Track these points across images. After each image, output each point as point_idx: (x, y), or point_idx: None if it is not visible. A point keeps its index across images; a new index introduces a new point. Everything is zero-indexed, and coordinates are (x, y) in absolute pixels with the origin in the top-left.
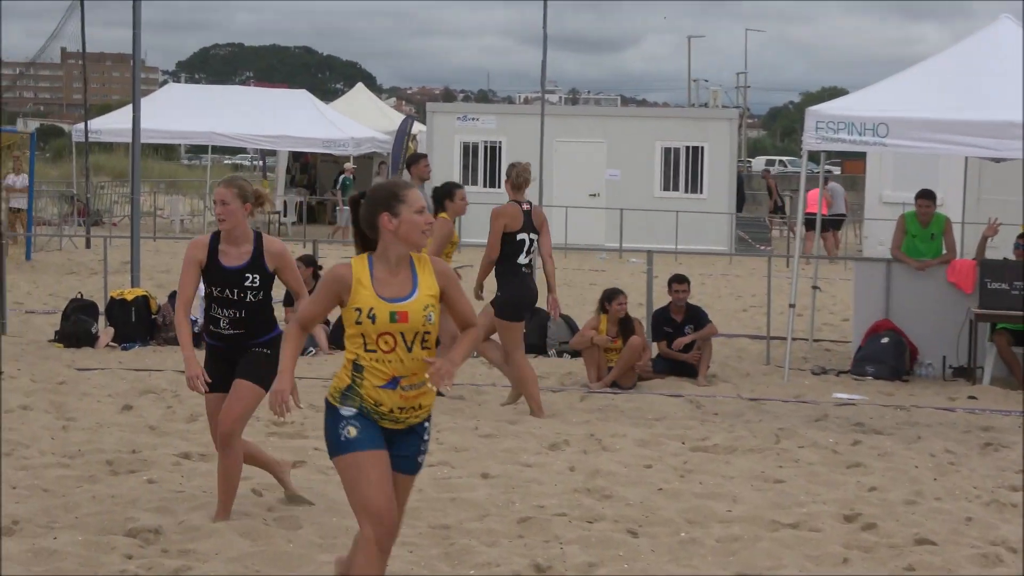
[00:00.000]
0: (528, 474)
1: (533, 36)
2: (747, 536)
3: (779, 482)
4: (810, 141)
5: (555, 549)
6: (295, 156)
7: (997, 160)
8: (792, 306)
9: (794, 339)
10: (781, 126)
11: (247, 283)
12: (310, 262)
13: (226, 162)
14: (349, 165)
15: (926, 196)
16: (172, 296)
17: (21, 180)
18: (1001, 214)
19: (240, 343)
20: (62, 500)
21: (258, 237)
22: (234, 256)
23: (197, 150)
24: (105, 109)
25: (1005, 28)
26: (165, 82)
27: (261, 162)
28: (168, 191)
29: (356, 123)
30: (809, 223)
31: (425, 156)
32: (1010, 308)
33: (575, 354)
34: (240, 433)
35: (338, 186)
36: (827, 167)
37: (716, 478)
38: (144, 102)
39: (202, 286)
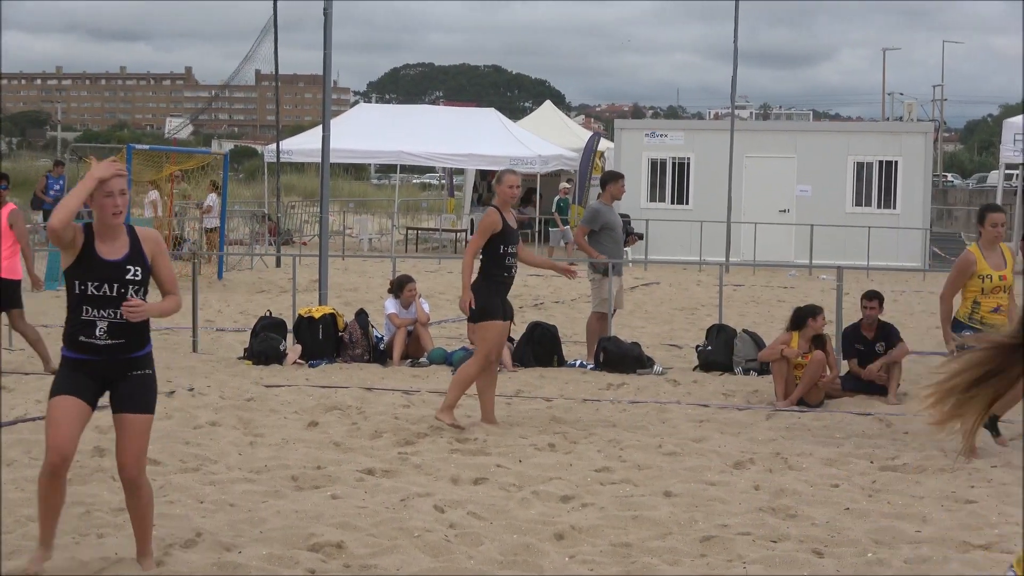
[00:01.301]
0: (711, 492)
1: (724, 52)
2: (936, 557)
3: (970, 502)
4: (1007, 154)
5: (738, 568)
6: (482, 174)
7: None
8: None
9: None
10: (978, 140)
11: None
12: None
13: (414, 181)
14: (565, 185)
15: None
16: (359, 314)
17: (210, 199)
18: None
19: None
20: (247, 515)
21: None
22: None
23: (386, 169)
24: (297, 130)
25: None
26: (356, 103)
27: (448, 181)
28: (357, 210)
29: (543, 140)
30: None
31: (622, 176)
32: None
33: (762, 371)
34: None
35: (553, 208)
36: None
37: (905, 498)
38: (334, 123)
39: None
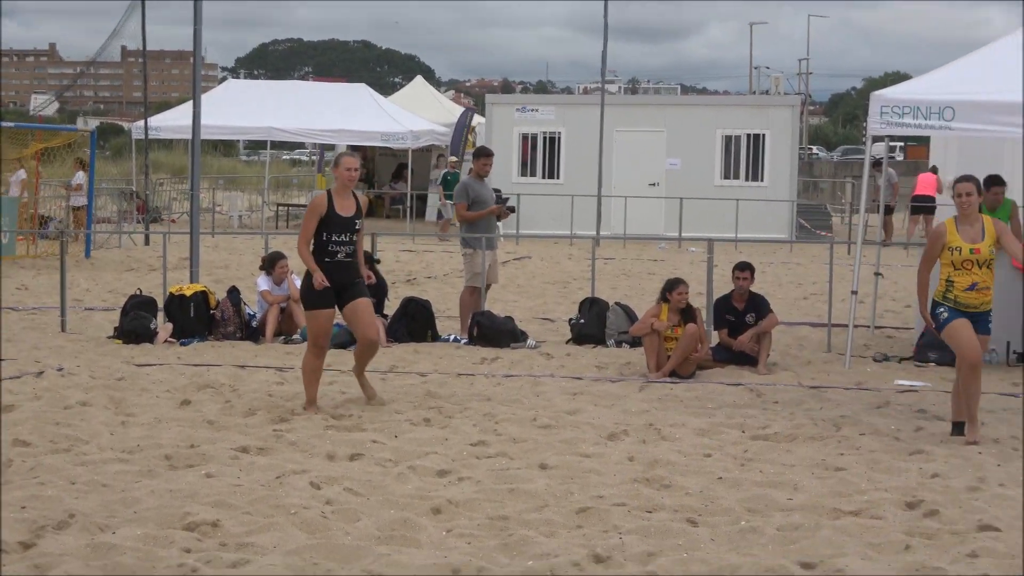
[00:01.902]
0: (586, 464)
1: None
2: (808, 524)
3: (840, 470)
4: (875, 126)
5: (614, 539)
6: (353, 150)
7: None
8: (854, 293)
9: (855, 326)
10: (843, 113)
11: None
12: (368, 259)
13: (284, 157)
14: (453, 159)
15: (997, 183)
16: (231, 291)
17: (77, 177)
18: None
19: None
20: (121, 495)
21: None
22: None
23: (256, 146)
24: (164, 106)
25: None
26: (224, 79)
27: (319, 157)
28: (227, 187)
29: (415, 116)
30: (915, 209)
31: (485, 155)
32: None
33: (634, 343)
34: None
35: (439, 181)
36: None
37: (776, 466)
38: (203, 99)
39: None
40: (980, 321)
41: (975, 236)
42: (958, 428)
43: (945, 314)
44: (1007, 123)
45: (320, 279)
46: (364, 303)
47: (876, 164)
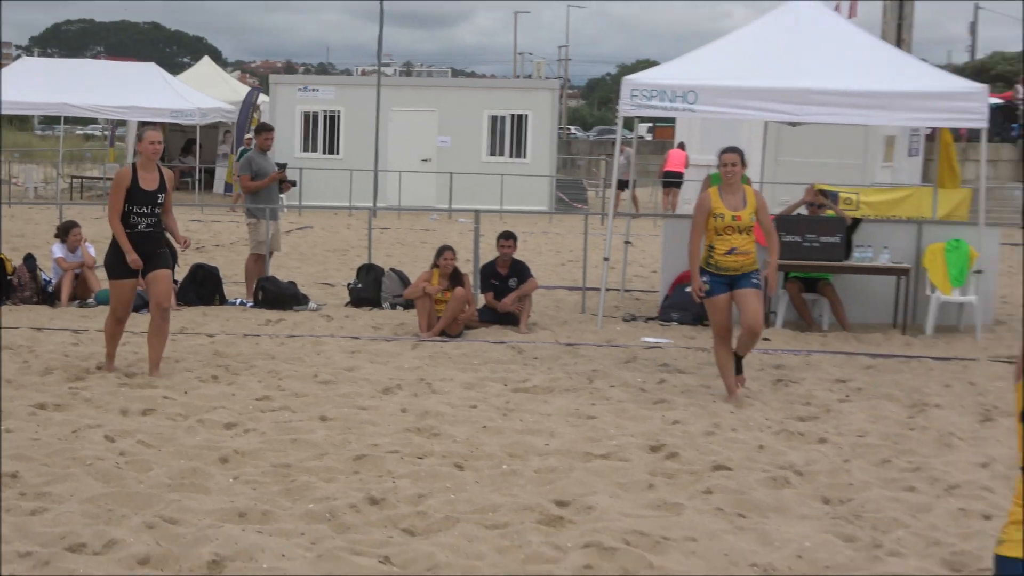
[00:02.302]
0: (363, 416)
1: (370, 13)
2: (562, 467)
3: (592, 418)
4: (625, 108)
5: (388, 483)
6: (143, 126)
7: (794, 124)
8: (606, 259)
9: (607, 289)
10: (599, 96)
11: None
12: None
13: (78, 132)
14: (248, 136)
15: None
16: (27, 258)
17: None
18: (796, 175)
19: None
20: None
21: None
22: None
23: (50, 121)
24: None
25: (802, 5)
26: (19, 56)
27: (111, 131)
28: (22, 160)
29: (202, 94)
30: (665, 183)
31: (267, 129)
32: (800, 259)
33: (408, 305)
34: None
35: (238, 158)
36: (640, 134)
37: (535, 416)
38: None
39: None
40: (743, 280)
41: (737, 204)
42: (737, 362)
43: (708, 286)
44: (745, 106)
45: (133, 259)
46: (163, 274)
47: (628, 142)
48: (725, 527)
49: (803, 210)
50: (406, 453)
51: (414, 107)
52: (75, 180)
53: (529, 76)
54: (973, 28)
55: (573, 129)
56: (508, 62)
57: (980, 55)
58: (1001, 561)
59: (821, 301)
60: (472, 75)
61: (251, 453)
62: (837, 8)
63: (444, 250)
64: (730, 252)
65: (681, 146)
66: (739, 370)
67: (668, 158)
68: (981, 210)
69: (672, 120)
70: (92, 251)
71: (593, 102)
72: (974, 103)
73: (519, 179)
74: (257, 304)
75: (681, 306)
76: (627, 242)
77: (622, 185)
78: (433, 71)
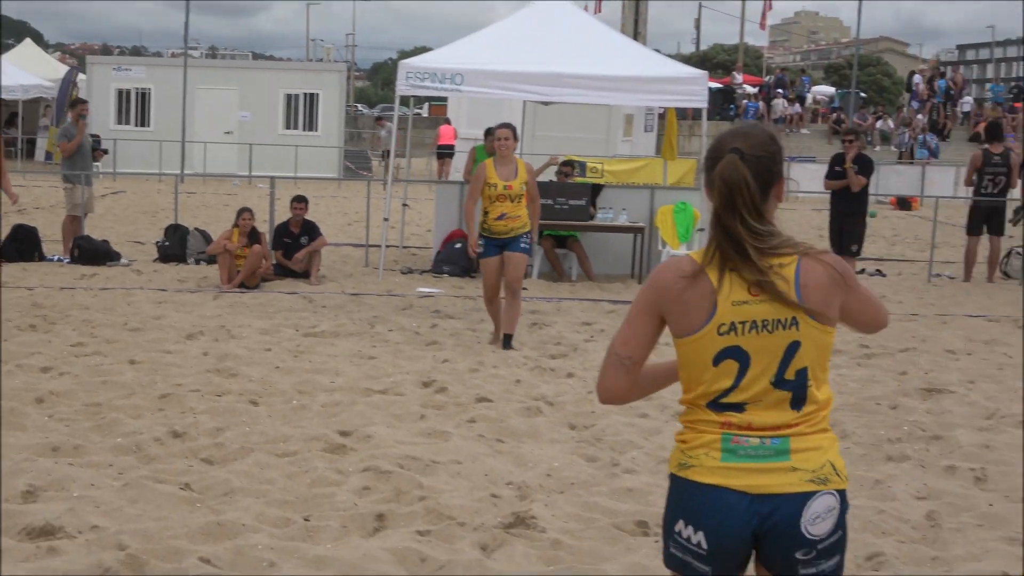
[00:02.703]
0: (168, 359)
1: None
2: (346, 401)
3: (372, 358)
4: (402, 88)
5: (189, 418)
6: None
7: (547, 103)
8: (386, 220)
9: (387, 246)
10: (382, 78)
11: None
12: None
13: None
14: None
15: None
16: None
17: None
18: (551, 148)
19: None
20: None
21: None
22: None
23: None
24: None
25: (555, 3)
26: None
27: None
28: None
29: (25, 72)
30: (439, 155)
31: (85, 102)
32: (552, 219)
33: (211, 261)
34: None
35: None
36: (417, 111)
37: (322, 357)
38: None
39: None
40: (513, 244)
41: (509, 175)
42: (507, 339)
43: (481, 248)
44: (505, 87)
45: None
46: None
47: (388, 118)
48: (486, 451)
49: (554, 177)
50: (206, 391)
51: (218, 86)
52: None
53: (320, 60)
54: (698, 24)
55: (359, 106)
56: (302, 47)
57: (704, 47)
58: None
59: (570, 255)
60: (270, 58)
61: (65, 394)
62: (585, 7)
63: (243, 211)
64: (501, 217)
65: (447, 122)
66: (508, 345)
67: (440, 133)
68: (703, 178)
69: (444, 99)
70: None
71: (377, 83)
72: (696, 87)
73: (311, 150)
74: (73, 260)
75: (451, 260)
76: (405, 204)
77: (385, 155)
78: (235, 54)
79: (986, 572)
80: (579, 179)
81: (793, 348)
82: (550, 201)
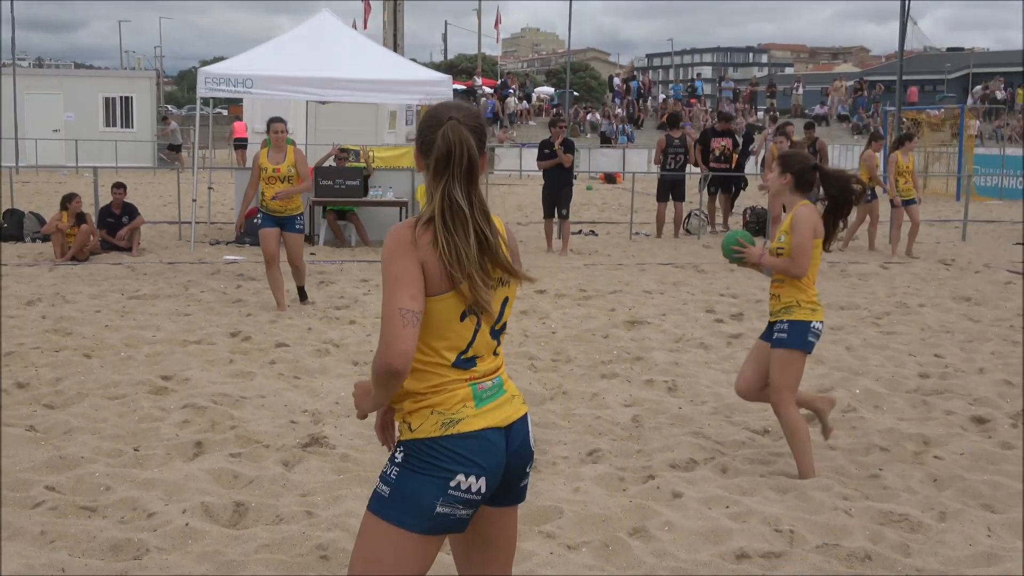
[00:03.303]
0: (12, 323)
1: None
2: (166, 351)
3: (187, 315)
4: (203, 91)
5: (32, 371)
6: None
7: (324, 102)
8: (194, 200)
9: (197, 223)
10: (188, 83)
11: None
12: None
13: None
14: None
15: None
16: None
17: None
18: (330, 139)
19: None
20: None
21: None
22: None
23: None
24: None
25: (327, 17)
26: None
27: None
28: None
29: None
30: (236, 146)
31: None
32: (334, 196)
33: (45, 239)
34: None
35: None
36: (219, 110)
37: (145, 315)
38: None
39: None
40: (288, 224)
41: (279, 160)
42: (301, 292)
43: (259, 220)
44: (288, 89)
45: None
46: None
47: (174, 116)
48: (285, 386)
49: (333, 162)
50: (46, 348)
51: (45, 91)
52: None
53: (133, 68)
54: (445, 38)
55: (169, 107)
56: (117, 58)
57: (450, 56)
58: None
59: (350, 226)
60: (90, 67)
61: None
62: (353, 23)
63: (72, 196)
64: (275, 197)
65: (239, 118)
66: (304, 297)
67: (234, 128)
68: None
69: (241, 99)
70: None
71: (183, 87)
72: (443, 88)
73: (128, 144)
74: None
75: (251, 233)
76: (210, 188)
77: (176, 148)
78: (60, 64)
79: (678, 459)
80: (353, 164)
81: (505, 303)
82: (330, 182)
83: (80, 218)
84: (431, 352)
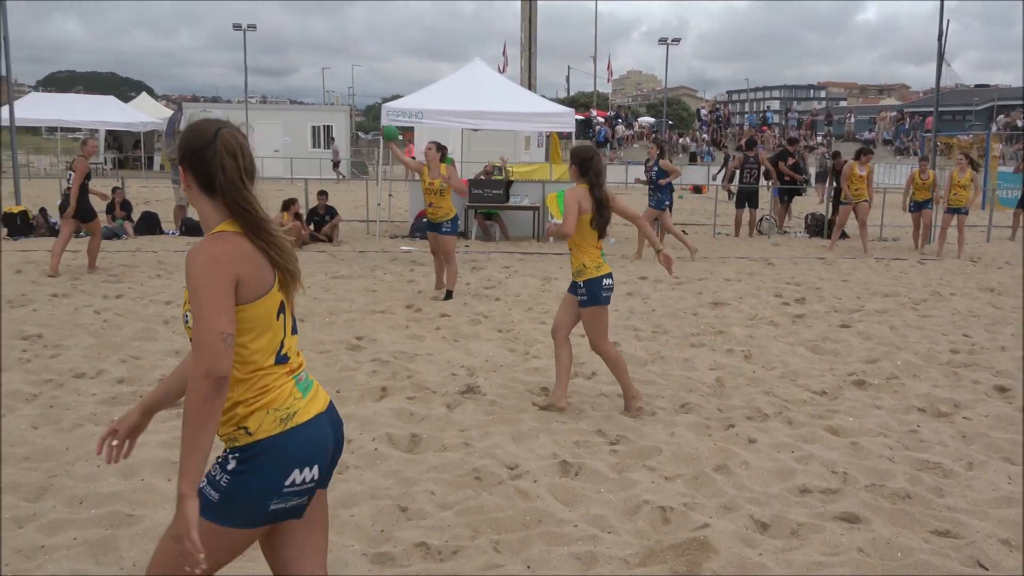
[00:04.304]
0: None
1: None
2: (358, 319)
3: (374, 291)
4: (385, 120)
5: None
6: (92, 135)
7: (475, 130)
8: (379, 204)
9: (381, 221)
10: (373, 114)
11: None
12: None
13: (69, 136)
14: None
15: (433, 143)
16: (41, 210)
17: None
18: (483, 157)
19: None
20: None
21: None
22: None
23: (51, 129)
24: None
25: (479, 64)
26: (30, 91)
27: (87, 136)
28: (36, 153)
29: (142, 113)
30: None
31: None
32: (484, 202)
33: None
34: None
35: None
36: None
37: (343, 291)
38: None
39: None
40: (439, 227)
41: (436, 175)
42: (448, 294)
43: (425, 221)
44: (448, 120)
45: (75, 207)
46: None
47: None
48: (448, 347)
49: (483, 176)
50: None
51: (269, 122)
52: (68, 164)
53: (332, 104)
54: (568, 79)
55: (360, 133)
56: (320, 96)
57: (572, 93)
58: None
59: (495, 225)
60: (301, 103)
61: (178, 318)
62: (498, 68)
63: (291, 201)
64: (430, 206)
65: (411, 141)
66: (448, 297)
67: (408, 149)
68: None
69: (412, 127)
70: None
71: (370, 118)
72: (567, 118)
73: (329, 161)
74: (181, 233)
75: (420, 229)
76: (390, 195)
77: (336, 163)
78: (278, 101)
79: (752, 412)
80: (498, 177)
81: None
82: (480, 191)
83: (295, 217)
84: (256, 356)
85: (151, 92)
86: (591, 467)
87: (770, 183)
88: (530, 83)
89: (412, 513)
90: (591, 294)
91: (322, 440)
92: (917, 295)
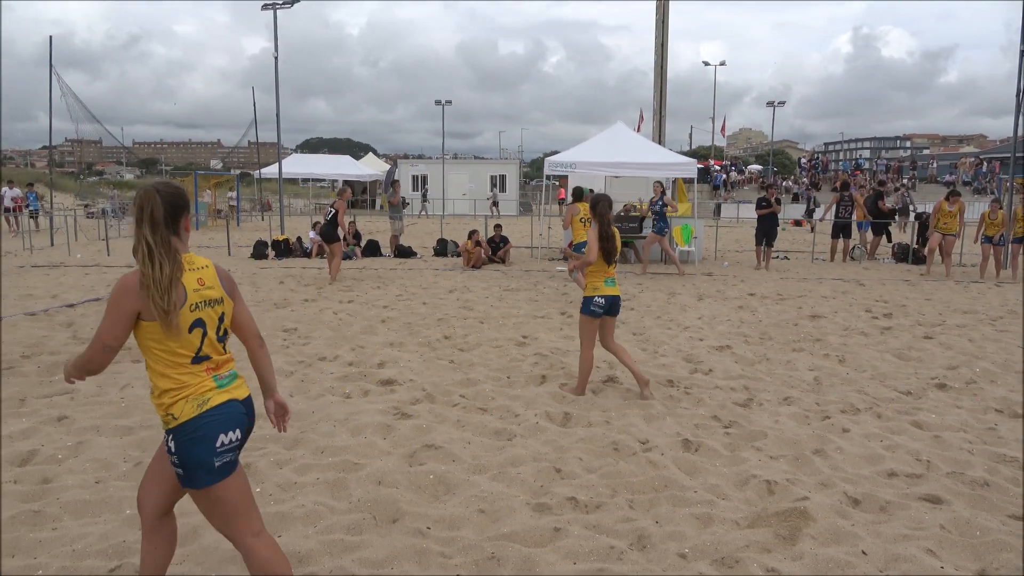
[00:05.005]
0: (439, 301)
1: (438, 130)
2: (524, 322)
3: (536, 301)
4: (547, 170)
5: (450, 329)
6: (345, 183)
7: (616, 176)
8: (541, 234)
9: (542, 247)
10: (536, 165)
11: None
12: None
13: (318, 185)
14: (394, 181)
15: (578, 191)
16: (298, 239)
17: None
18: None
19: None
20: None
21: None
22: None
23: (305, 180)
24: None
25: (620, 125)
26: (291, 153)
27: (331, 185)
28: (294, 197)
29: (369, 168)
30: (561, 203)
31: (397, 181)
32: (623, 233)
33: (457, 255)
34: None
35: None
36: (554, 182)
37: (512, 301)
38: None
39: None
40: (579, 248)
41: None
42: None
43: (574, 252)
44: (595, 169)
45: (341, 237)
46: (336, 247)
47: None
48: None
49: (622, 212)
50: (458, 317)
51: (458, 173)
52: (317, 205)
53: (506, 159)
54: (690, 135)
55: (526, 180)
56: (497, 152)
57: (694, 146)
58: None
59: (631, 251)
60: (482, 158)
61: (394, 319)
62: (635, 127)
63: (473, 232)
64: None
65: (564, 187)
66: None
67: (560, 192)
68: (695, 211)
69: (567, 175)
70: (313, 235)
71: (534, 168)
72: (689, 167)
73: (504, 203)
74: (395, 256)
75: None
76: (549, 227)
77: (495, 203)
78: (466, 157)
79: (845, 407)
80: (634, 213)
81: (223, 317)
82: (621, 224)
83: (478, 244)
84: (175, 356)
85: (375, 152)
86: (708, 445)
87: (855, 217)
88: (660, 139)
89: (565, 474)
90: (583, 307)
91: (234, 414)
92: (994, 312)
